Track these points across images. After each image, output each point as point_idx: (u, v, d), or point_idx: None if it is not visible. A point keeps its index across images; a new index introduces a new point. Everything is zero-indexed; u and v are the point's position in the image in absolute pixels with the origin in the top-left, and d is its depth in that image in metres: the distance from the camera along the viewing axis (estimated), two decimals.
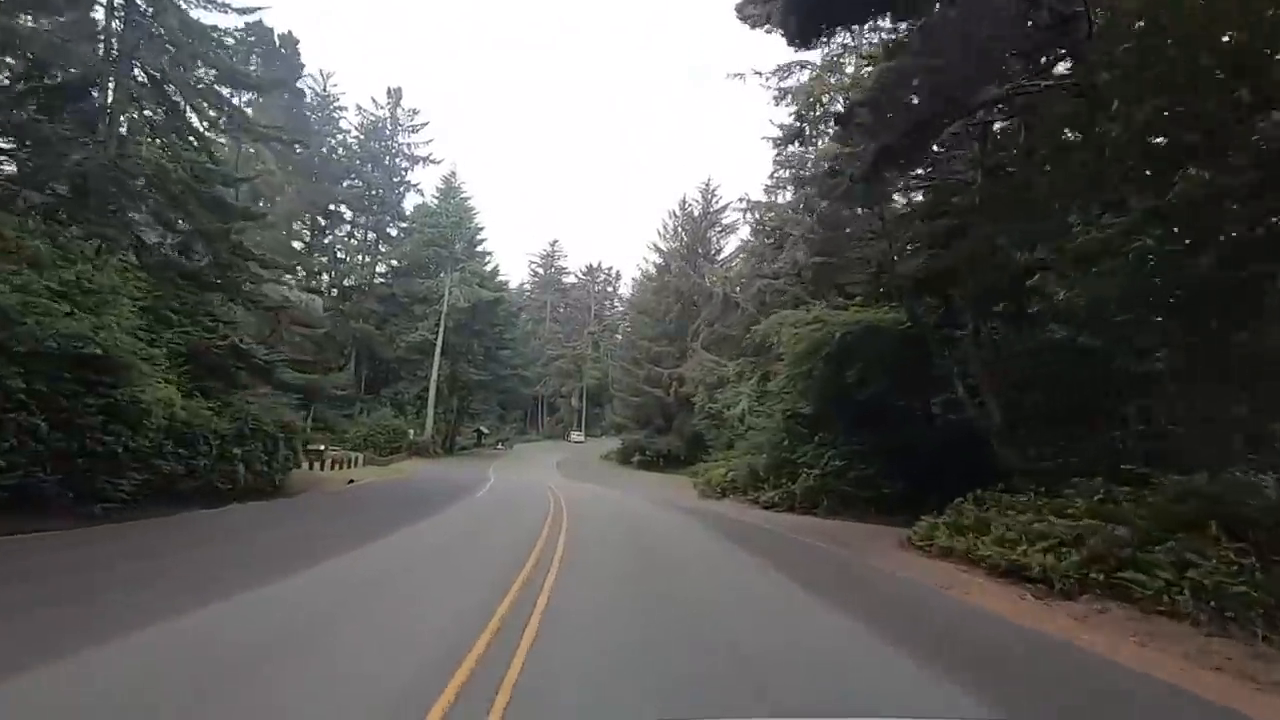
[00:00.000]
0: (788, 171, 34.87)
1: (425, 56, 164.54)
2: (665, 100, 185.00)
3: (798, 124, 32.86)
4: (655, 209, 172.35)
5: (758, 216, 40.36)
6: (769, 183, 37.37)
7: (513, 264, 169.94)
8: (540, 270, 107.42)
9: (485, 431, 76.97)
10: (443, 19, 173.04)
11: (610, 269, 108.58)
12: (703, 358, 31.74)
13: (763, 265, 31.27)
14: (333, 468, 31.01)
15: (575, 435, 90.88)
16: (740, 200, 34.98)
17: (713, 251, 59.59)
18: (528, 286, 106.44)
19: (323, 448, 31.91)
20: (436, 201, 56.22)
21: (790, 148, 35.25)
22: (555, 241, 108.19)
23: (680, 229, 61.05)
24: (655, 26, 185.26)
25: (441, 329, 52.82)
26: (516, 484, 31.54)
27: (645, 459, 60.11)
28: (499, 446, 79.43)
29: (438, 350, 52.80)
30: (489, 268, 60.98)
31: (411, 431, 47.76)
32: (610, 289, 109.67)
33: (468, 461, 51.45)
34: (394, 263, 55.82)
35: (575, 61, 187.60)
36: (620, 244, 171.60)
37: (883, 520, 15.98)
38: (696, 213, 60.00)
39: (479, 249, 57.85)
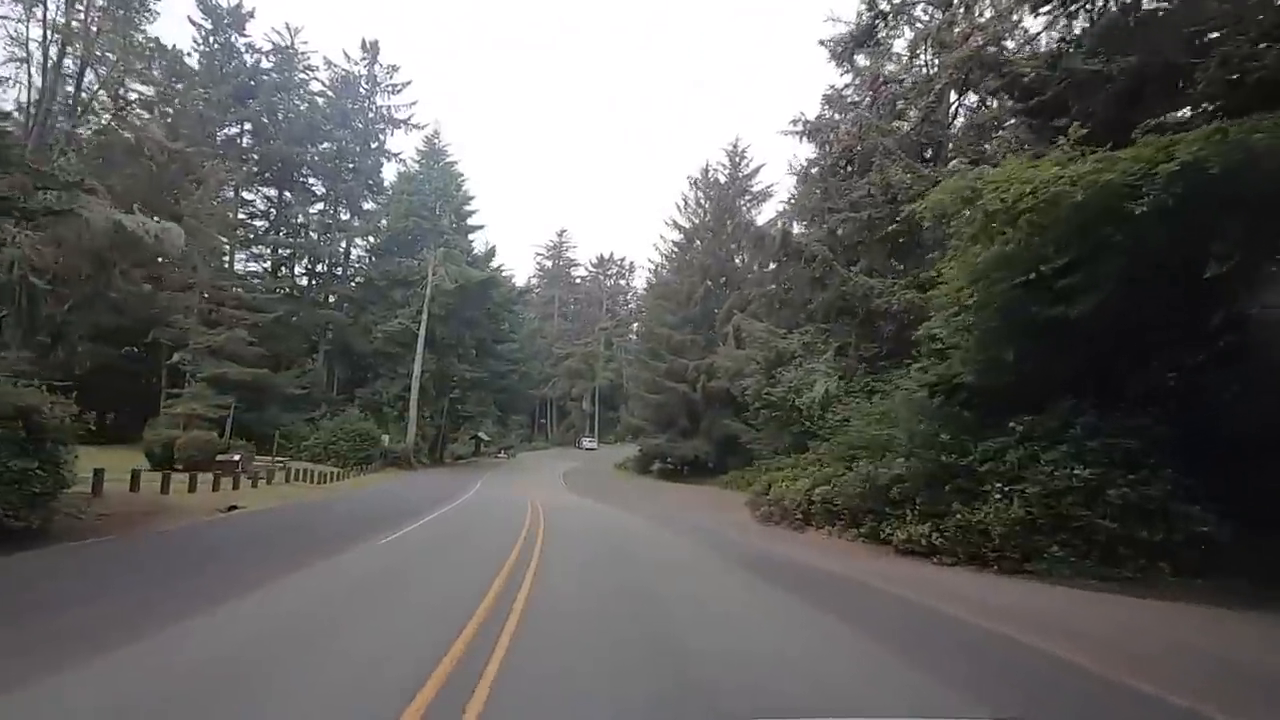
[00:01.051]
0: (851, 80, 26.47)
1: (424, 51, 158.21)
2: (675, 80, 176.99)
3: (869, 17, 24.44)
4: (670, 194, 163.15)
5: (818, 146, 31.82)
6: (828, 94, 28.86)
7: (518, 260, 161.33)
8: (547, 263, 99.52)
9: (485, 438, 68.81)
10: (442, 16, 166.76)
11: (623, 260, 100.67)
12: (753, 328, 23.21)
13: (833, 200, 22.72)
14: (250, 484, 22.82)
15: (587, 441, 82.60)
16: (794, 123, 26.20)
17: (743, 223, 51.04)
18: (534, 282, 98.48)
19: (236, 457, 23.79)
20: (417, 166, 48.15)
21: (857, 58, 26.86)
22: (563, 231, 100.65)
23: (704, 200, 52.65)
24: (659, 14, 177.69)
25: (425, 315, 44.72)
26: (490, 505, 23.50)
27: (667, 467, 51.80)
28: (501, 455, 71.29)
29: (420, 341, 44.68)
30: (480, 247, 52.80)
31: (386, 438, 39.62)
32: (624, 282, 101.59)
33: (455, 473, 43.23)
34: (369, 239, 47.82)
35: (576, 51, 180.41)
36: (632, 235, 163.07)
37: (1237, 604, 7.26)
38: (723, 179, 51.58)
39: (468, 222, 49.71)
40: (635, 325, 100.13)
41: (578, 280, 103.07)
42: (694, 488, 42.64)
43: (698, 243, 52.16)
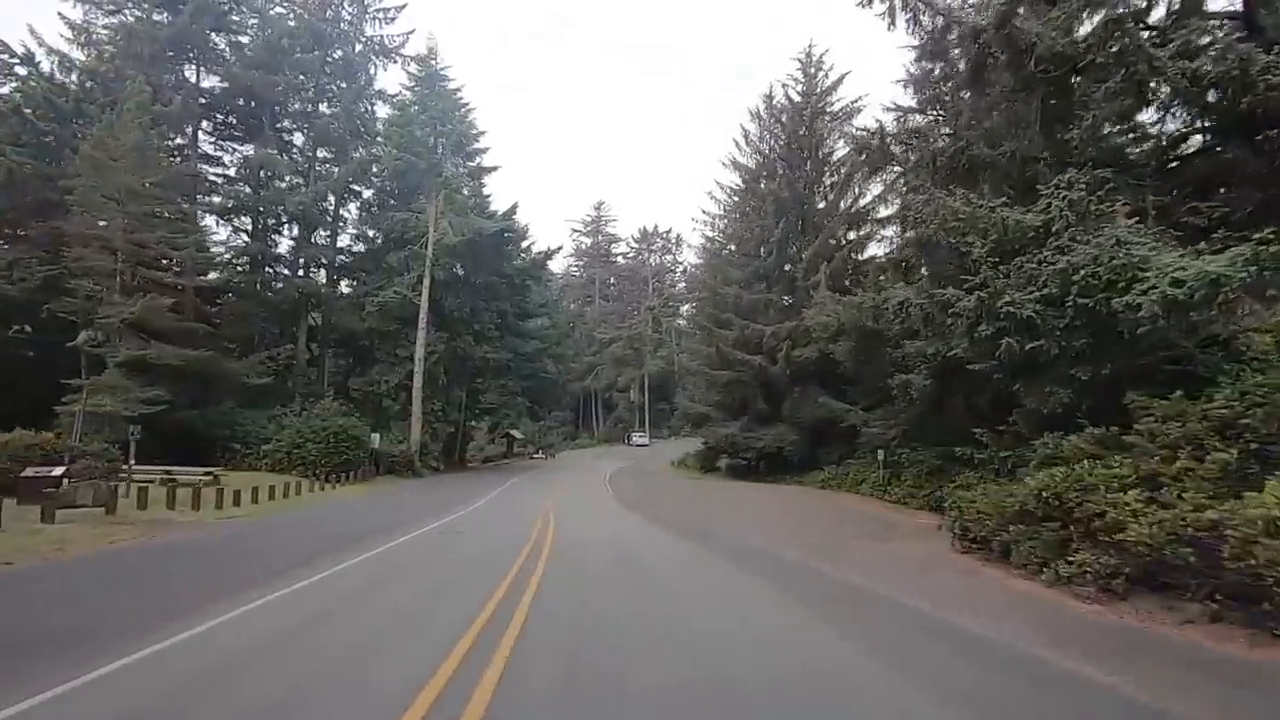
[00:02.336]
0: None
1: (452, 23, 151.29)
2: (715, 36, 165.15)
3: None
4: (717, 156, 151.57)
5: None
6: None
7: (553, 239, 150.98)
8: (585, 240, 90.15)
9: (517, 436, 59.80)
10: None
11: (669, 233, 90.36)
12: (947, 206, 12.30)
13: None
14: (96, 510, 13.72)
15: (638, 437, 72.93)
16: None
17: (825, 151, 40.28)
18: (572, 264, 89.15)
19: (57, 470, 14.76)
20: (410, 95, 38.81)
21: None
22: (601, 204, 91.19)
23: (773, 126, 42.05)
24: None
25: (427, 280, 35.52)
26: (470, 538, 13.97)
27: (738, 463, 41.68)
28: (538, 455, 62.25)
29: (422, 314, 35.51)
30: (498, 203, 43.12)
31: (377, 437, 30.49)
32: (670, 257, 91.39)
33: (470, 481, 33.91)
34: (356, 189, 38.80)
35: (606, 13, 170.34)
36: (677, 207, 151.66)
37: None
38: (795, 96, 40.85)
39: (478, 163, 40.14)
40: (685, 308, 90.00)
41: (619, 259, 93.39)
42: (782, 490, 32.35)
43: (763, 183, 41.57)
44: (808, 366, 35.57)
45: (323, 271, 40.04)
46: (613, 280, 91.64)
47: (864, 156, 27.67)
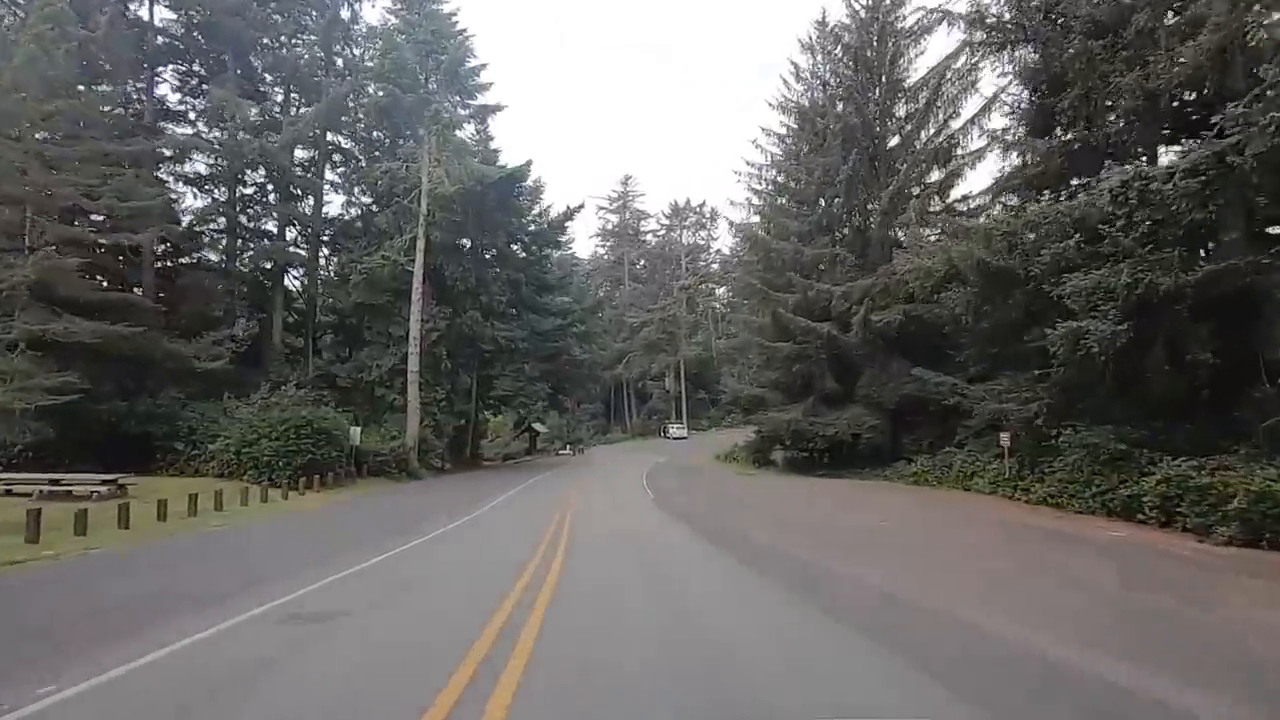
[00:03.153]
0: None
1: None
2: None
3: None
4: (749, 128, 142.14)
5: None
6: None
7: (578, 219, 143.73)
8: (612, 217, 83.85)
9: (541, 430, 53.93)
10: None
11: (701, 206, 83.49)
12: None
13: None
14: None
15: (675, 429, 66.58)
16: None
17: (897, 76, 33.20)
18: (598, 244, 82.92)
19: None
20: (395, 19, 32.66)
21: None
22: (628, 178, 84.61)
23: (830, 50, 35.17)
24: None
25: (421, 242, 29.60)
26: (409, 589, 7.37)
27: (799, 455, 35.22)
28: (565, 451, 56.30)
29: (416, 281, 29.61)
30: (507, 154, 36.84)
31: (357, 431, 24.63)
32: (704, 233, 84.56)
33: (475, 484, 27.95)
34: (336, 141, 32.96)
35: None
36: (709, 182, 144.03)
37: None
38: (860, 10, 33.84)
39: (479, 101, 33.86)
40: (722, 291, 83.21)
41: (648, 237, 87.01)
42: (868, 490, 25.80)
43: (822, 120, 34.68)
44: (889, 332, 28.81)
45: (306, 241, 34.34)
46: (643, 262, 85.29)
47: (980, 37, 20.95)
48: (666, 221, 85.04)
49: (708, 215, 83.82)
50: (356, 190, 31.57)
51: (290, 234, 34.17)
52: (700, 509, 19.22)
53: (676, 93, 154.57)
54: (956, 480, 24.63)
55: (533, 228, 36.21)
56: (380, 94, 28.29)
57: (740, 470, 37.24)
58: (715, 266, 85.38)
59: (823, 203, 33.58)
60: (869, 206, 32.42)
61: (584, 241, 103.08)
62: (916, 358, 29.60)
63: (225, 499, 17.98)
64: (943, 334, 30.57)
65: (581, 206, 36.54)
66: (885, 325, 28.58)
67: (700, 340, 78.32)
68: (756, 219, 35.56)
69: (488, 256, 33.66)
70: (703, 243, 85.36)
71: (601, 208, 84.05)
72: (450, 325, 32.80)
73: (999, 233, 18.14)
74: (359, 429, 24.83)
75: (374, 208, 32.61)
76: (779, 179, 37.49)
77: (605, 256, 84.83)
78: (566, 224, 36.74)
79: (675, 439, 64.37)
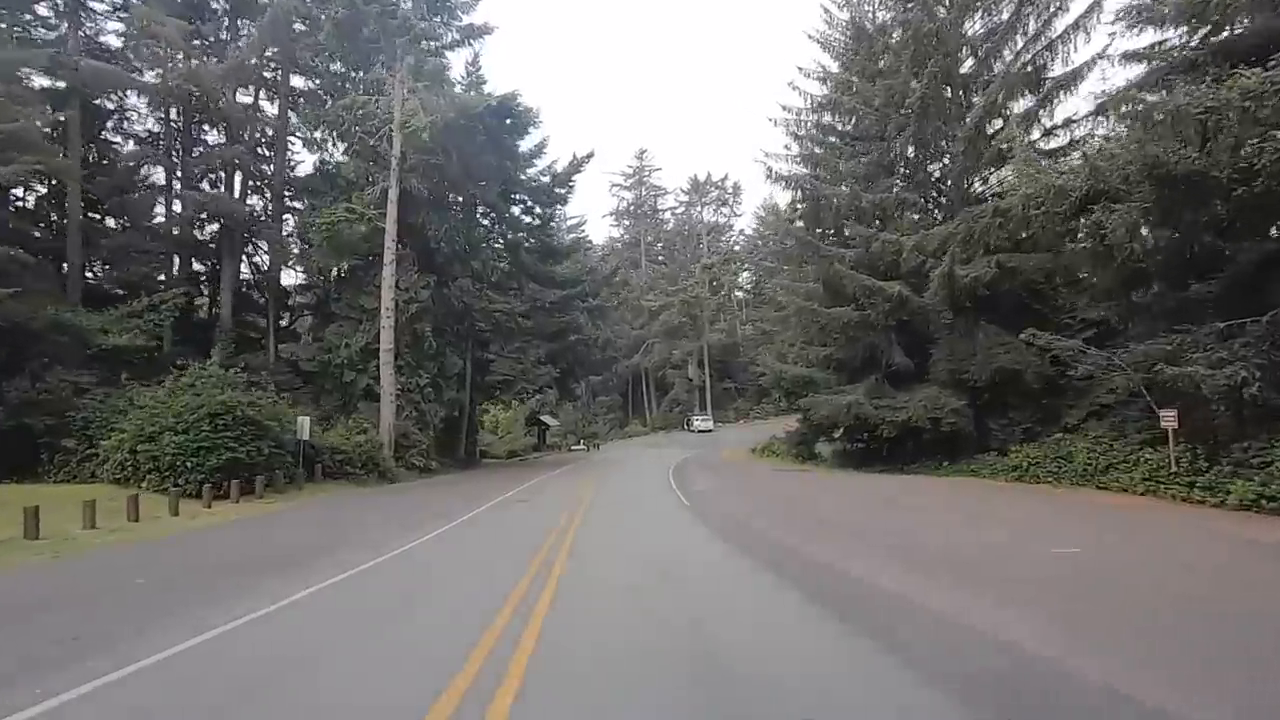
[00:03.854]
0: None
1: None
2: None
3: None
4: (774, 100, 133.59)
5: None
6: None
7: (591, 198, 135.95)
8: (626, 194, 78.18)
9: (551, 423, 48.62)
10: None
11: (723, 180, 77.49)
12: None
13: None
14: None
15: (699, 421, 61.04)
16: None
17: None
18: (614, 227, 77.31)
19: None
20: None
21: None
22: (643, 152, 78.80)
23: None
24: None
25: (393, 191, 24.28)
26: None
27: (855, 446, 29.91)
28: (579, 446, 50.94)
29: (388, 238, 24.32)
30: (497, 84, 31.11)
31: (305, 423, 19.28)
32: (726, 209, 78.61)
33: (451, 491, 22.56)
34: (297, 83, 27.62)
35: None
36: (729, 157, 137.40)
37: None
38: None
39: (462, 22, 27.94)
40: (745, 275, 77.44)
41: (666, 215, 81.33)
42: (967, 488, 20.07)
43: (879, 37, 28.75)
44: (977, 289, 22.97)
45: (265, 201, 29.13)
46: (660, 244, 79.66)
47: None
48: (685, 198, 79.31)
49: (730, 190, 77.98)
50: (319, 133, 26.29)
51: (254, 200, 29.07)
52: (757, 523, 13.70)
53: (692, 60, 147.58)
54: (1083, 476, 18.99)
55: (534, 182, 30.65)
56: (339, 7, 22.98)
57: (783, 466, 31.66)
58: (738, 249, 79.57)
59: (886, 135, 27.65)
60: (941, 144, 26.55)
61: (597, 223, 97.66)
62: (1007, 321, 23.98)
63: (102, 514, 12.80)
64: (1038, 290, 24.88)
65: (591, 156, 31.06)
66: (973, 281, 22.76)
67: (724, 326, 72.66)
68: (798, 167, 29.75)
69: (480, 213, 28.27)
70: (725, 220, 79.53)
71: (615, 185, 78.56)
72: (435, 295, 27.49)
73: (1196, 111, 12.31)
74: (307, 419, 19.49)
75: (340, 154, 27.30)
76: (825, 120, 31.55)
77: (621, 237, 79.22)
78: (574, 177, 31.27)
79: (700, 432, 58.86)
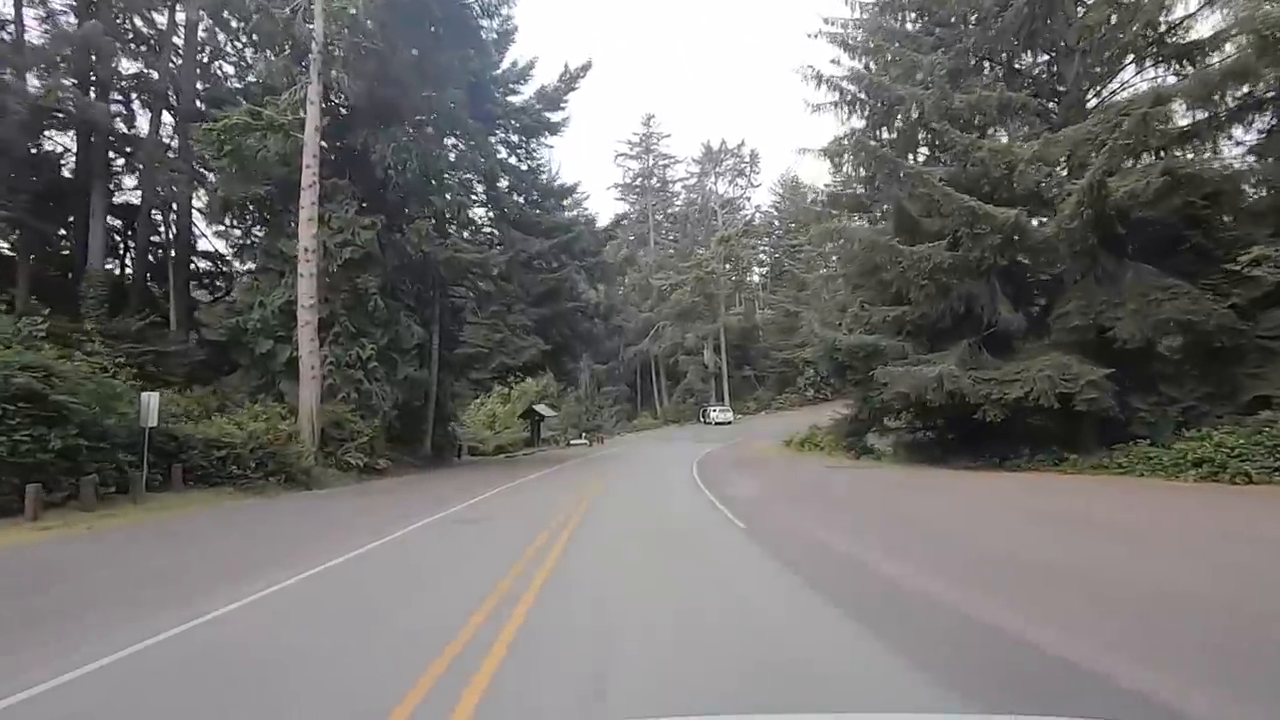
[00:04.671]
0: None
1: None
2: None
3: None
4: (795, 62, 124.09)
5: None
6: None
7: (593, 174, 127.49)
8: (633, 164, 71.42)
9: (546, 413, 42.18)
10: None
11: (739, 147, 70.60)
12: None
13: None
14: None
15: (717, 412, 54.70)
16: None
17: None
18: (619, 201, 70.56)
19: None
20: None
21: None
22: (651, 118, 71.96)
23: None
24: None
25: (314, 85, 17.77)
26: None
27: (920, 437, 23.86)
28: (580, 441, 44.55)
29: (308, 151, 17.78)
30: None
31: (152, 401, 12.75)
32: (743, 181, 71.72)
33: (397, 499, 16.04)
34: None
35: None
36: (744, 124, 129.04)
37: None
38: None
39: None
40: (763, 253, 70.67)
41: (677, 187, 74.57)
42: (1133, 490, 13.21)
43: None
44: (1132, 209, 16.28)
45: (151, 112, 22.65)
46: (671, 218, 73.04)
47: None
48: (697, 168, 72.47)
49: (747, 159, 71.02)
50: (224, 18, 19.76)
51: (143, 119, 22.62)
52: (863, 555, 7.11)
53: (703, 14, 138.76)
54: None
55: (514, 97, 24.06)
56: None
57: (836, 462, 25.09)
58: (757, 224, 72.80)
59: (973, 26, 20.84)
60: (1053, 33, 19.73)
61: (601, 198, 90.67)
62: (1157, 260, 17.61)
63: None
64: (1198, 216, 18.43)
65: (587, 68, 24.57)
66: (1126, 197, 16.05)
67: (740, 311, 66.00)
68: (855, 67, 22.92)
69: (442, 135, 21.76)
70: (741, 192, 72.61)
71: (620, 154, 71.68)
72: (386, 242, 21.00)
73: None
74: (155, 397, 12.99)
75: (246, 50, 20.78)
76: (886, 24, 24.65)
77: (627, 213, 72.43)
78: (566, 98, 24.73)
79: (718, 424, 52.35)
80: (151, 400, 12.96)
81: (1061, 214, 16.82)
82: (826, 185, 27.66)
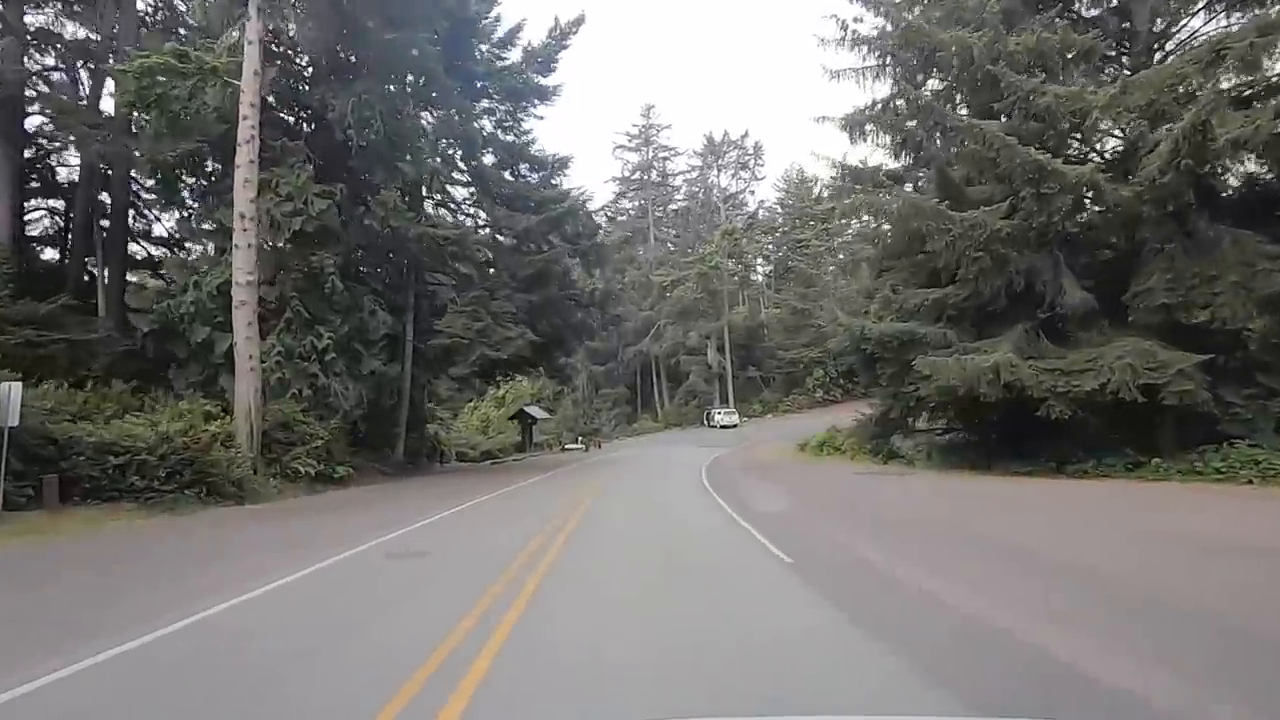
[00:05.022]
0: None
1: None
2: None
3: None
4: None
5: None
6: None
7: (593, 163, 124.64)
8: (631, 156, 68.62)
9: (538, 415, 39.37)
10: None
11: (743, 139, 67.86)
12: None
13: None
14: None
15: (721, 415, 51.94)
16: None
17: None
18: (620, 198, 67.74)
19: None
20: None
21: None
22: (650, 108, 69.30)
23: None
24: None
25: (253, 23, 14.91)
26: None
27: (966, 439, 21.02)
28: (575, 445, 41.72)
29: (244, 104, 14.89)
30: None
31: (12, 400, 9.84)
32: (746, 174, 68.93)
33: (342, 513, 13.07)
34: None
35: None
36: (747, 117, 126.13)
37: None
38: None
39: None
40: (768, 245, 67.94)
41: (678, 180, 71.82)
42: None
43: None
44: (1234, 161, 13.46)
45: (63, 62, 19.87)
46: (668, 220, 70.33)
47: None
48: (699, 161, 69.68)
49: (751, 151, 68.26)
50: None
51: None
52: (1028, 633, 4.05)
53: (702, 3, 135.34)
54: None
55: (499, 59, 21.25)
56: None
57: (864, 468, 22.20)
58: (762, 218, 70.05)
59: None
60: None
61: (599, 191, 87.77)
62: (1271, 225, 14.90)
63: None
64: None
65: (580, 22, 21.83)
66: (1228, 146, 13.22)
67: (744, 310, 63.24)
68: (883, 24, 20.19)
69: (418, 94, 18.96)
70: (744, 186, 69.80)
71: (619, 146, 68.88)
72: (348, 215, 18.19)
73: None
74: (15, 387, 10.13)
75: None
76: None
77: (627, 208, 69.70)
78: (558, 57, 21.93)
79: (723, 427, 49.44)
80: (12, 392, 10.08)
81: (1147, 168, 13.97)
82: (843, 161, 24.82)
